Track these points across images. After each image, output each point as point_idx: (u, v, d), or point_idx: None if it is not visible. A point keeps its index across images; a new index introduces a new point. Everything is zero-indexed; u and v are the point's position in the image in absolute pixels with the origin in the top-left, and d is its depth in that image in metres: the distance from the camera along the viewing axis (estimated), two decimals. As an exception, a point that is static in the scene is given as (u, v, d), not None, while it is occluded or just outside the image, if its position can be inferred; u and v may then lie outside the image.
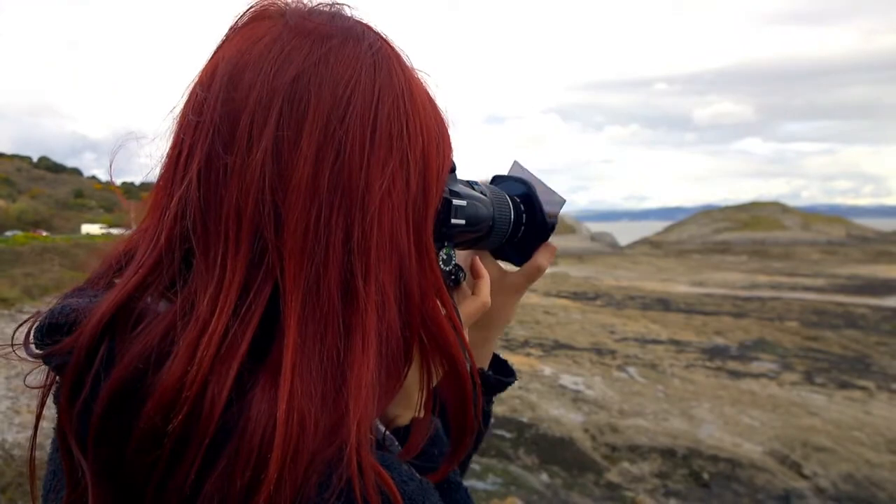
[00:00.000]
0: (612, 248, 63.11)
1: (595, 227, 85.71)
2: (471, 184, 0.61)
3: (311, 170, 0.45)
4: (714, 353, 17.23)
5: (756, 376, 14.49)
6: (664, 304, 28.21)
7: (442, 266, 0.56)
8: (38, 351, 0.46)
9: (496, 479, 7.57)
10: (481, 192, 0.62)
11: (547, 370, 14.06)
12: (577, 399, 11.94)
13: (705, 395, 12.47)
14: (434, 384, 0.54)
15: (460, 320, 0.54)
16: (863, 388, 13.57)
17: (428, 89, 0.54)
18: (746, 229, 72.22)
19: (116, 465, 0.41)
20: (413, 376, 0.52)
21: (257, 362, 0.43)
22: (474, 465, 8.07)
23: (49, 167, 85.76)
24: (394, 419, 0.59)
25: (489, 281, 0.64)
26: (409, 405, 0.58)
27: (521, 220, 0.66)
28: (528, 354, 15.93)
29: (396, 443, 0.57)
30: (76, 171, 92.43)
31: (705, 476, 8.35)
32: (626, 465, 8.77)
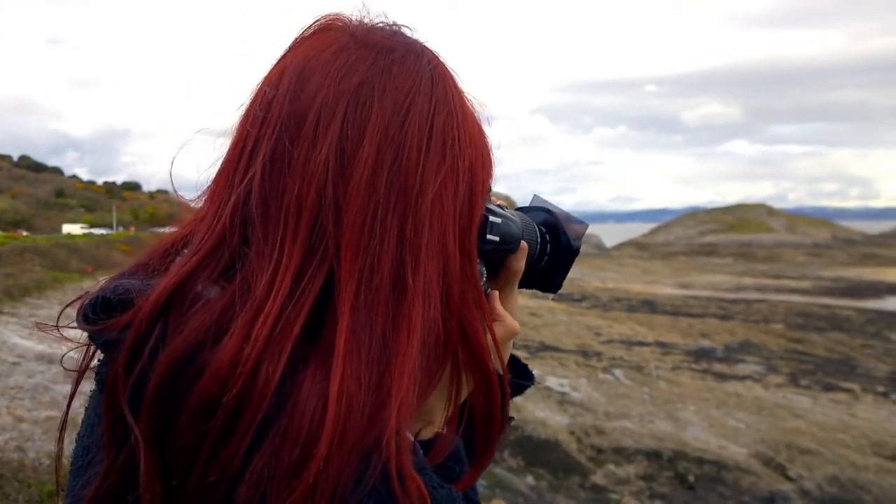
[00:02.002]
0: (599, 250, 63.43)
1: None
2: (500, 206, 0.63)
3: (372, 168, 0.48)
4: (700, 355, 17.36)
5: (741, 378, 14.60)
6: (650, 305, 28.39)
7: None
8: (89, 327, 0.48)
9: (481, 482, 7.54)
10: (512, 214, 0.63)
11: (533, 372, 14.08)
12: (562, 401, 11.96)
13: (691, 397, 12.54)
14: (462, 399, 0.55)
15: (495, 332, 0.56)
16: (848, 391, 13.72)
17: (474, 109, 0.58)
18: (732, 231, 72.88)
19: (169, 433, 0.43)
20: (438, 394, 0.54)
21: (310, 345, 0.46)
22: (460, 468, 8.05)
23: (30, 166, 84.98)
24: (415, 434, 0.59)
25: (518, 306, 0.66)
26: (432, 420, 0.58)
27: (546, 243, 0.68)
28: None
29: (421, 452, 0.58)
30: (57, 171, 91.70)
31: (691, 478, 8.39)
32: (611, 467, 8.79)
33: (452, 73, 0.57)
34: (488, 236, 0.57)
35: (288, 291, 0.46)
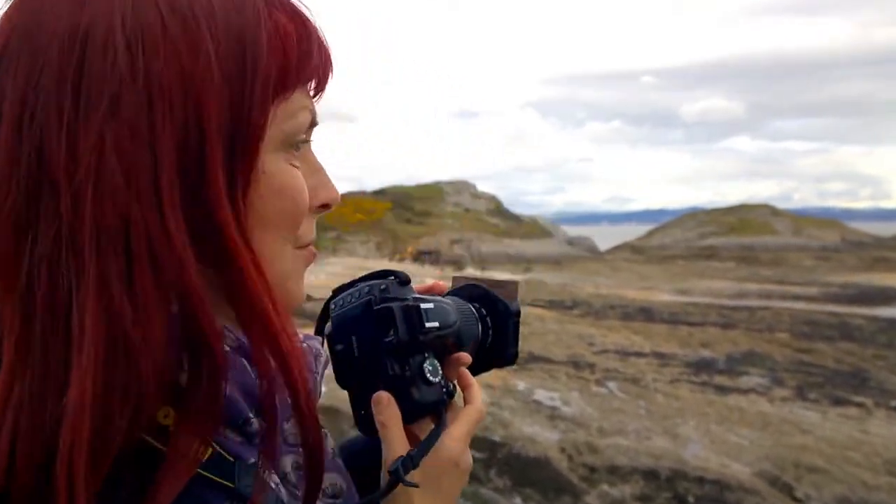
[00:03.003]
0: (591, 254, 63.84)
1: (573, 230, 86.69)
2: (424, 297, 0.63)
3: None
4: (700, 366, 17.49)
5: (745, 392, 14.74)
6: (647, 313, 28.56)
7: (430, 378, 0.57)
8: None
9: (465, 502, 7.54)
10: (440, 299, 0.64)
11: (521, 385, 14.11)
12: (553, 416, 12.00)
13: (691, 411, 12.64)
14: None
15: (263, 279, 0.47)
16: (859, 405, 13.90)
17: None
18: (734, 233, 73.79)
19: None
20: None
21: None
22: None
23: None
24: None
25: (479, 387, 0.64)
26: None
27: (484, 317, 0.68)
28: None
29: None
30: None
31: (690, 499, 8.45)
32: (605, 487, 8.83)
33: None
34: (427, 324, 0.57)
35: None
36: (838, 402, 14.28)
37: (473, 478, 8.66)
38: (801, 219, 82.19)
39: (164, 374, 0.41)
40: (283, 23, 0.46)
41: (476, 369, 0.69)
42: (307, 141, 0.51)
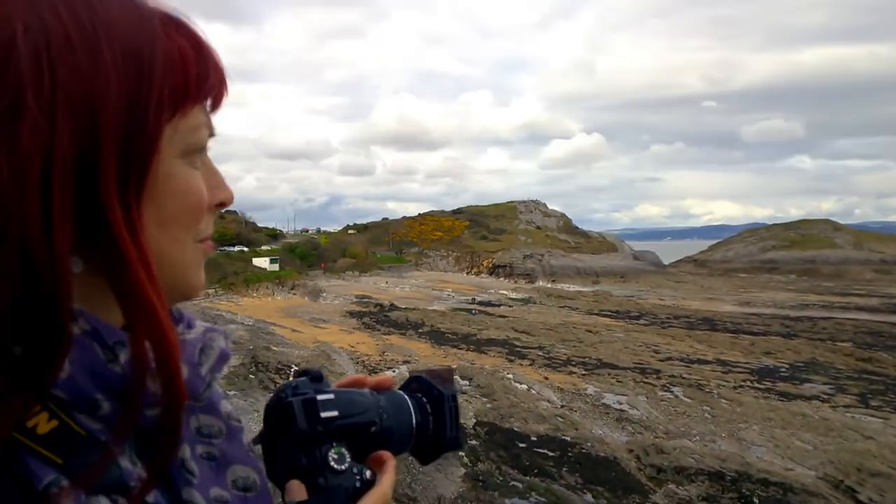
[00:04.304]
0: (656, 267, 62.00)
1: (638, 245, 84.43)
2: (327, 390, 0.61)
3: None
4: (763, 373, 16.74)
5: (808, 398, 14.01)
6: (710, 323, 27.54)
7: (335, 466, 0.55)
8: None
9: (539, 498, 7.46)
10: (355, 392, 0.62)
11: (590, 389, 13.87)
12: (620, 418, 11.73)
13: (754, 416, 12.12)
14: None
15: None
16: (921, 412, 13.04)
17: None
18: (795, 247, 70.08)
19: None
20: None
21: None
22: (517, 483, 7.98)
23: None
24: None
25: (392, 475, 0.59)
26: None
27: (423, 405, 0.65)
28: (571, 373, 15.74)
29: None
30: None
31: (755, 501, 8.09)
32: (672, 486, 8.56)
33: None
34: (322, 414, 0.55)
35: None
36: (901, 409, 13.45)
37: (545, 474, 8.56)
38: (862, 233, 77.29)
39: None
40: (181, 44, 0.47)
41: (426, 457, 0.67)
42: (206, 149, 0.52)
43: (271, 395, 0.60)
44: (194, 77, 0.48)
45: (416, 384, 0.67)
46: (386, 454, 0.60)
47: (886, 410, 13.20)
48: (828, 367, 17.88)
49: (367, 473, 0.57)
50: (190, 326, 0.55)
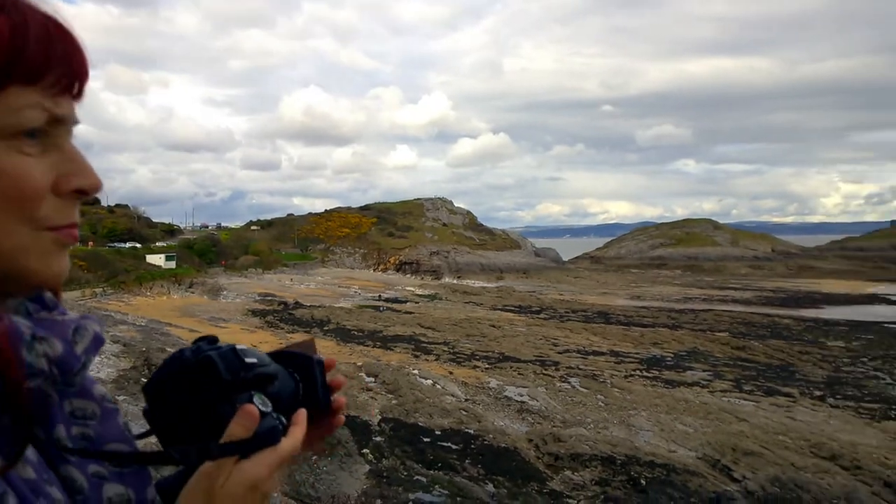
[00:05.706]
0: (556, 263, 63.98)
1: (540, 242, 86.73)
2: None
3: None
4: (651, 363, 17.66)
5: (690, 385, 14.90)
6: (604, 316, 28.75)
7: (262, 408, 0.54)
8: None
9: (442, 491, 7.54)
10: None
11: (493, 382, 14.12)
12: (521, 410, 12.03)
13: (643, 403, 12.75)
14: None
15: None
16: (788, 395, 14.13)
17: None
18: (680, 245, 74.41)
19: None
20: None
21: None
22: (421, 477, 8.03)
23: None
24: None
25: (302, 429, 0.58)
26: None
27: (293, 373, 0.63)
28: (475, 367, 15.97)
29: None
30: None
31: (643, 482, 8.52)
32: (568, 473, 8.88)
33: None
34: (246, 360, 0.55)
35: None
36: (770, 392, 14.48)
37: (449, 467, 8.67)
38: (738, 232, 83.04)
39: None
40: None
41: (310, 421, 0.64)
42: (47, 132, 0.49)
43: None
44: (4, 57, 0.45)
45: (283, 357, 0.64)
46: (299, 413, 0.59)
47: (758, 394, 14.22)
48: (707, 356, 19.06)
49: (284, 419, 0.57)
50: (65, 314, 0.54)
